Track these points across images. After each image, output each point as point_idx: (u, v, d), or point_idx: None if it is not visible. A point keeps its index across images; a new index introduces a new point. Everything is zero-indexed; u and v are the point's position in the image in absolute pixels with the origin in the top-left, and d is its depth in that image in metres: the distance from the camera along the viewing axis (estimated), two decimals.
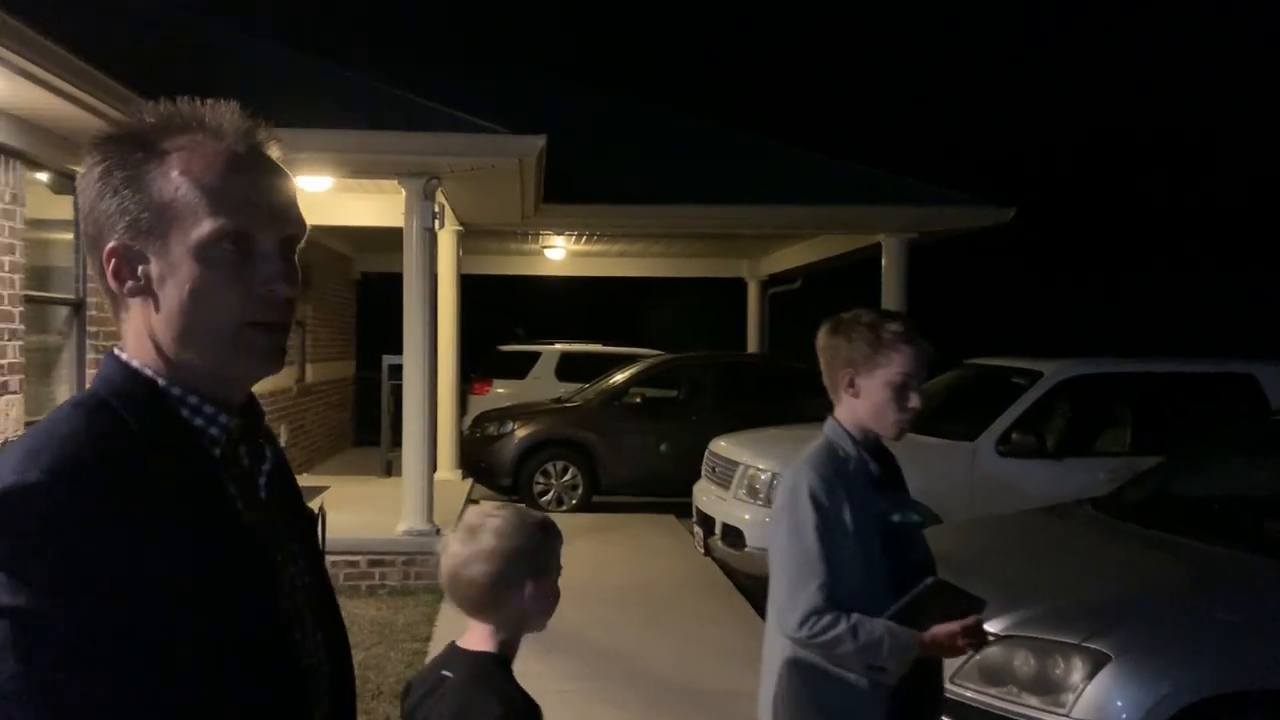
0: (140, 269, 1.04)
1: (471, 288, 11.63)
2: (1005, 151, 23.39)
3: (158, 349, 1.05)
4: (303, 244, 1.11)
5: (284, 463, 1.23)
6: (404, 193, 7.17)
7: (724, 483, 7.15)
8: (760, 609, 6.81)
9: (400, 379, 7.71)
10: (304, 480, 10.01)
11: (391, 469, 9.99)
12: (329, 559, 6.25)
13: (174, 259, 1.03)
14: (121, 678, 0.93)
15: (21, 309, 5.59)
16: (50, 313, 5.96)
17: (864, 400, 2.25)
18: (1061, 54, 29.40)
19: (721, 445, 7.59)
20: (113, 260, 1.05)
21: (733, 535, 6.75)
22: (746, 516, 6.70)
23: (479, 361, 14.40)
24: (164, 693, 0.95)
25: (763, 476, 6.68)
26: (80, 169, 1.07)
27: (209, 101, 1.09)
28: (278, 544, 1.12)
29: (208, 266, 1.02)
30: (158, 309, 1.04)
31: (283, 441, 11.28)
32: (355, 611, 6.45)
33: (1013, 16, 32.22)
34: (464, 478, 10.20)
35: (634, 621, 6.25)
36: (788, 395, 11.32)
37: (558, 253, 13.85)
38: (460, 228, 10.03)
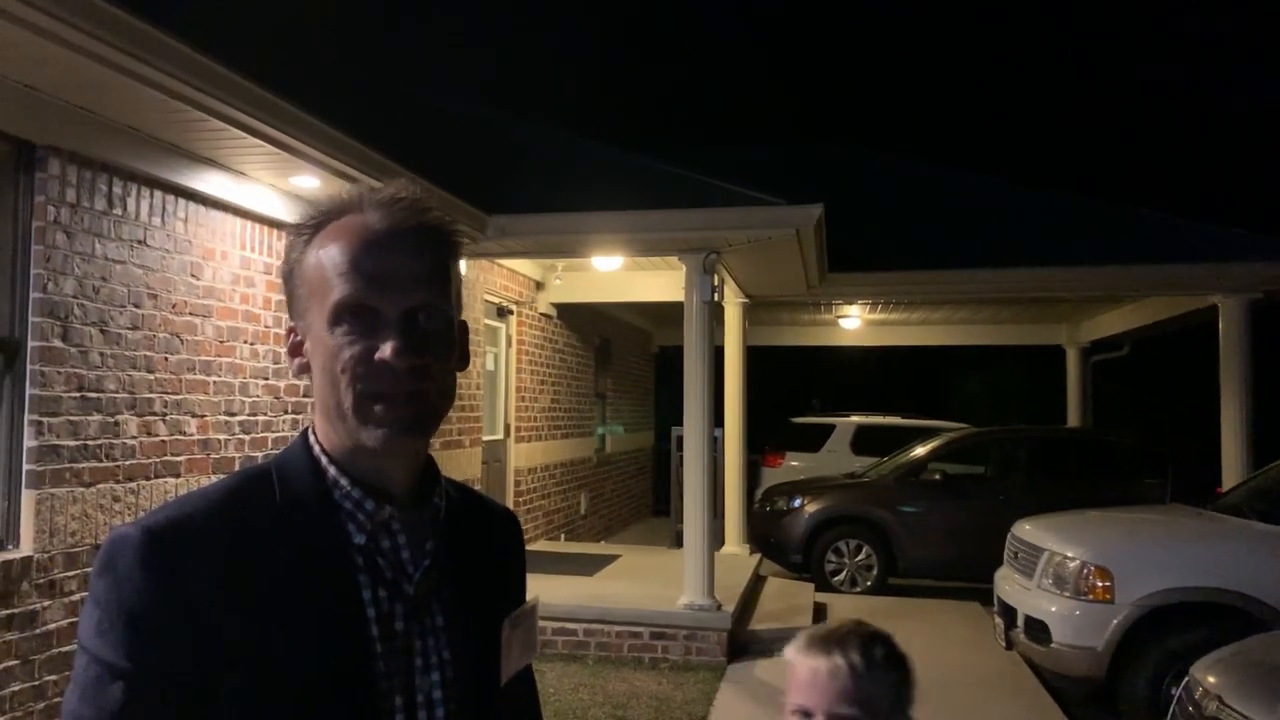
0: (302, 345, 1.08)
1: (763, 359, 11.61)
2: None
3: (324, 424, 1.08)
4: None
5: (484, 554, 1.19)
6: (685, 268, 7.28)
7: (1027, 570, 6.51)
8: (1069, 710, 6.14)
9: None
10: (599, 549, 10.35)
11: (681, 540, 10.04)
12: (615, 628, 6.39)
13: (315, 333, 1.06)
14: None
15: None
16: None
17: None
18: None
19: (1025, 529, 6.94)
20: (290, 339, 1.10)
21: (1036, 629, 6.12)
22: (1052, 609, 6.05)
23: (772, 434, 14.29)
24: None
25: (1071, 566, 6.01)
26: None
27: (376, 184, 1.12)
28: (415, 650, 1.07)
29: (335, 338, 1.03)
30: (315, 383, 1.07)
31: (582, 510, 11.80)
32: (636, 684, 6.47)
33: None
34: (752, 552, 10.05)
35: (927, 718, 5.80)
36: (1112, 474, 10.32)
37: (853, 322, 13.54)
38: (746, 300, 10.04)
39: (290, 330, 1.10)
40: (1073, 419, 14.18)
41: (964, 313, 13.16)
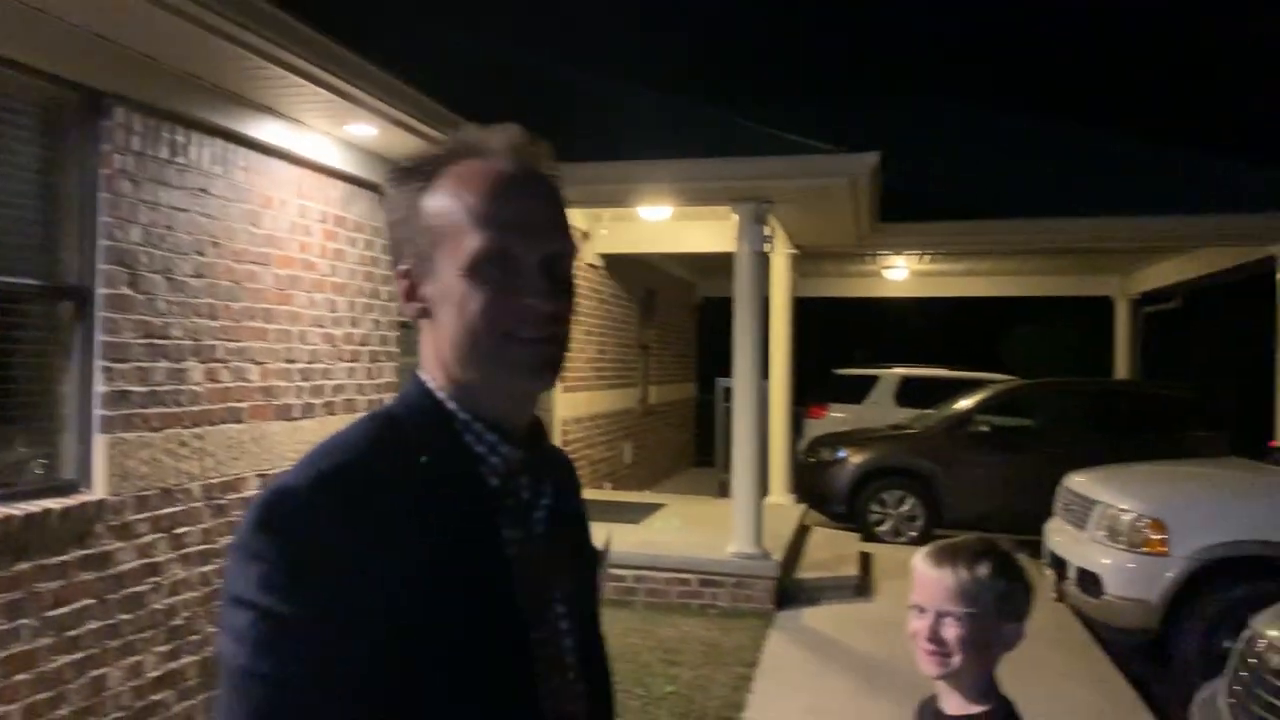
0: (421, 290, 1.08)
1: (808, 311, 11.53)
2: None
3: (445, 370, 1.08)
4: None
5: (570, 500, 1.22)
6: (736, 218, 7.22)
7: (1079, 523, 6.49)
8: (1120, 662, 6.13)
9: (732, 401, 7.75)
10: (644, 497, 10.43)
11: (726, 490, 10.09)
12: (663, 575, 6.48)
13: (445, 278, 1.05)
14: (338, 696, 0.94)
15: (397, 333, 6.24)
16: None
17: None
18: None
19: (1077, 481, 6.90)
20: (403, 283, 1.09)
21: (1088, 581, 6.10)
22: (1105, 561, 6.03)
23: (815, 385, 14.24)
24: None
25: (1125, 518, 5.98)
26: (382, 202, 1.13)
27: (495, 126, 1.10)
28: (545, 584, 1.10)
29: (472, 284, 1.03)
30: (440, 329, 1.07)
31: (626, 459, 11.88)
32: (685, 630, 6.55)
33: None
34: (797, 502, 10.08)
35: None
36: (1161, 427, 10.20)
37: (899, 273, 13.40)
38: (794, 250, 9.96)
39: (404, 274, 1.09)
40: (1121, 371, 14.01)
41: (1012, 263, 12.98)
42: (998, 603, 1.69)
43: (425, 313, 1.08)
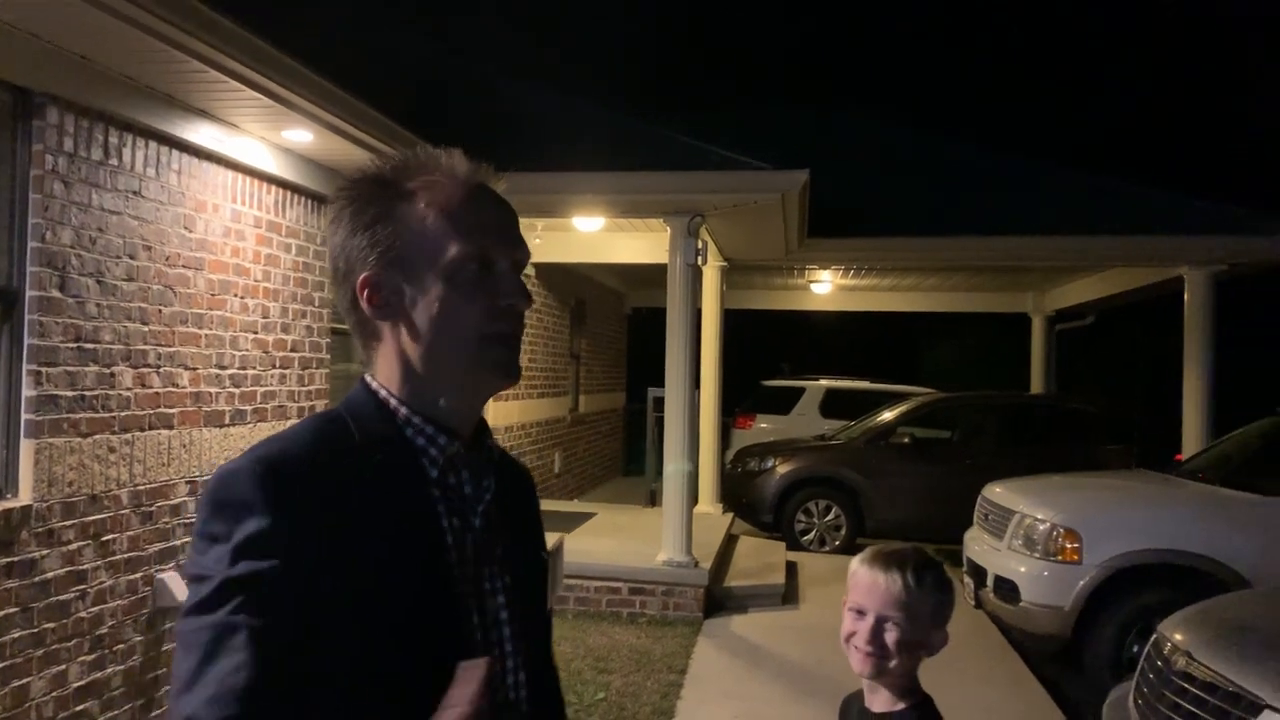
0: (392, 295, 1.13)
1: (736, 322, 11.68)
2: None
3: (405, 370, 1.14)
4: (530, 270, 1.17)
5: (518, 498, 1.27)
6: (669, 231, 7.32)
7: (997, 532, 6.71)
8: (1034, 666, 6.36)
9: (664, 411, 7.84)
10: (574, 506, 10.45)
11: (655, 499, 10.18)
12: (593, 583, 6.50)
13: (425, 282, 1.12)
14: (270, 673, 0.96)
15: (329, 340, 6.19)
16: (347, 341, 6.57)
17: None
18: None
19: (996, 492, 7.13)
20: (366, 289, 1.13)
21: (1006, 588, 6.32)
22: (1021, 569, 6.25)
23: (743, 396, 14.43)
24: (311, 704, 0.98)
25: (1041, 527, 6.20)
26: (329, 211, 1.18)
27: (439, 149, 1.18)
28: (484, 575, 1.15)
29: (455, 286, 1.11)
30: (409, 330, 1.12)
31: (556, 468, 11.89)
32: (616, 637, 6.60)
33: None
34: (724, 512, 10.20)
35: None
36: (1074, 440, 10.57)
37: (824, 287, 13.65)
38: (724, 263, 10.11)
39: (366, 280, 1.12)
40: (1036, 386, 14.45)
41: (933, 279, 13.32)
42: (934, 611, 1.78)
43: (391, 316, 1.13)
